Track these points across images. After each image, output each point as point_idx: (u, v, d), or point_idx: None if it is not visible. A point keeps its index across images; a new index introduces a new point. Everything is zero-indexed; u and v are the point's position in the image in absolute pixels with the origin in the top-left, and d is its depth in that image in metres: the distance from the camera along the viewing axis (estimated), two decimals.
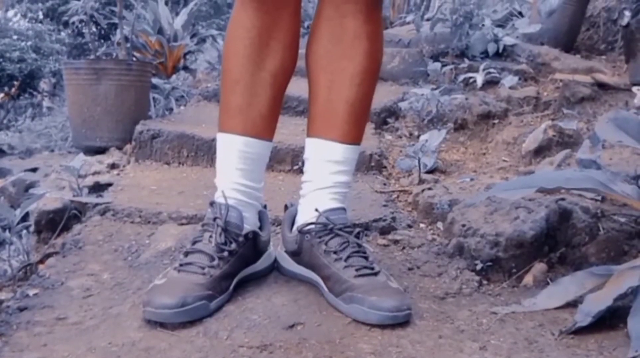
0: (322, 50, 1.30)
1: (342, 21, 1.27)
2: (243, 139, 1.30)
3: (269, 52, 1.29)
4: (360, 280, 1.20)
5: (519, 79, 3.15)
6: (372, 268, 1.23)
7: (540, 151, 2.34)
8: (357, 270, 1.21)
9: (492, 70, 3.18)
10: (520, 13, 4.11)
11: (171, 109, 3.20)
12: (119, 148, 2.52)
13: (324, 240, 1.26)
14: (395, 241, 1.60)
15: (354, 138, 1.32)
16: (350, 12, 1.27)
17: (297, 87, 2.72)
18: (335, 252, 1.25)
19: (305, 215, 1.31)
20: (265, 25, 1.28)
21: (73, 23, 5.96)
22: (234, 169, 1.30)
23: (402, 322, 1.14)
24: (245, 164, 1.30)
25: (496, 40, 3.45)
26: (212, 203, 1.29)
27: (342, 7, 1.27)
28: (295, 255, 1.32)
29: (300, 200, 1.35)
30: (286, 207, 1.39)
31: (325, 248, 1.26)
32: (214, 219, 1.26)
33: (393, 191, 2.05)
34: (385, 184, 2.14)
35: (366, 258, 1.25)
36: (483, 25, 3.51)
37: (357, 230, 1.29)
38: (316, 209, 1.28)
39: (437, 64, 3.31)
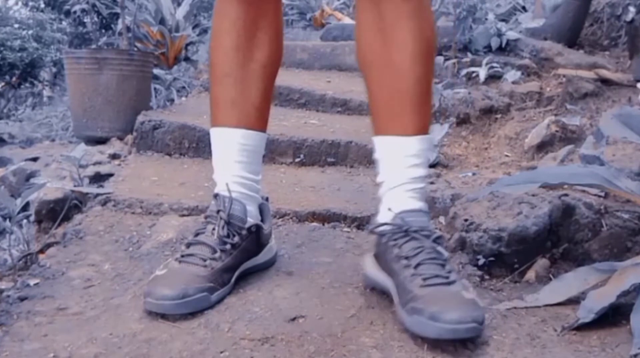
0: (366, 44, 1.22)
1: (378, 8, 1.18)
2: (240, 132, 1.29)
3: (257, 43, 1.28)
4: (426, 290, 1.07)
5: (522, 74, 3.14)
6: (447, 278, 1.09)
7: (543, 147, 2.33)
8: (424, 279, 1.09)
9: (495, 64, 3.17)
10: (523, 8, 4.10)
11: (172, 100, 3.20)
12: (120, 138, 2.51)
13: (398, 243, 1.15)
14: None
15: (417, 128, 1.20)
16: None
17: (298, 80, 2.72)
18: (406, 258, 1.12)
19: (381, 216, 1.21)
20: (250, 17, 1.27)
21: (74, 12, 5.93)
22: (233, 162, 1.29)
23: (464, 337, 1.02)
24: (244, 157, 1.30)
25: (499, 34, 3.44)
26: (215, 195, 1.28)
27: None
28: (376, 258, 1.22)
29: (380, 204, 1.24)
30: None
31: (397, 252, 1.14)
32: (217, 211, 1.25)
33: None
34: None
35: (442, 265, 1.12)
36: (486, 19, 3.50)
37: (437, 234, 1.17)
38: (389, 209, 1.19)
39: (440, 58, 3.30)
